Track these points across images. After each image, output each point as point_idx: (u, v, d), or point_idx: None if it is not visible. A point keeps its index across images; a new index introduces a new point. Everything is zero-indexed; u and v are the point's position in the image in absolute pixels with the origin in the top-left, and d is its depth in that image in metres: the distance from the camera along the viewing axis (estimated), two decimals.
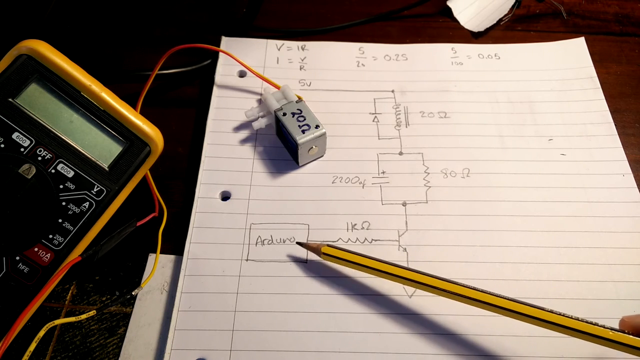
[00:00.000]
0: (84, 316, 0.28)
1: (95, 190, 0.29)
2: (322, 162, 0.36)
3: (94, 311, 0.28)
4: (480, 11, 0.44)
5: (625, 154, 0.36)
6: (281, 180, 0.35)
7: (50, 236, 0.28)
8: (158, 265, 0.32)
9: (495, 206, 0.34)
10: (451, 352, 0.29)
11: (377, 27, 0.44)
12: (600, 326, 0.25)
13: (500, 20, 0.44)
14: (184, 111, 0.39)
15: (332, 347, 0.29)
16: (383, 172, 0.36)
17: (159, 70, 0.38)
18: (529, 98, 0.39)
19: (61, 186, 0.28)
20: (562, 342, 0.29)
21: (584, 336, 0.25)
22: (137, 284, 0.31)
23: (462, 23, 0.44)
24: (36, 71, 0.28)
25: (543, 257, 0.32)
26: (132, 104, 0.33)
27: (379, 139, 0.37)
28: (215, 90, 0.39)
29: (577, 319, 0.26)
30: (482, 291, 0.27)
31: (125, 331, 0.30)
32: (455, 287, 0.27)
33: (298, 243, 0.32)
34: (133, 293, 0.30)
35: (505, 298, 0.27)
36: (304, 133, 0.34)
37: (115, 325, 0.30)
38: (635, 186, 0.35)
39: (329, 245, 0.31)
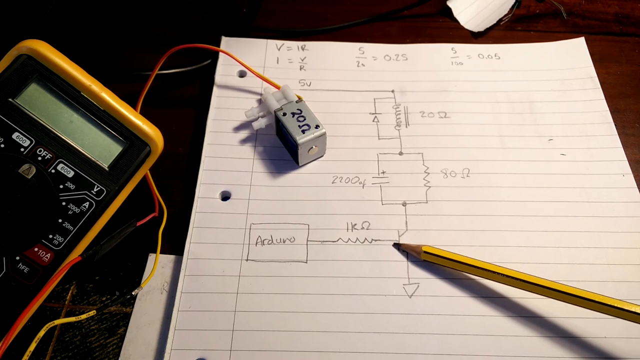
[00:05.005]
0: (84, 316, 0.28)
1: (95, 190, 0.29)
2: (322, 162, 0.36)
3: (94, 311, 0.28)
4: (480, 11, 0.44)
5: (625, 154, 0.36)
6: (281, 180, 0.35)
7: (50, 236, 0.28)
8: (158, 265, 0.32)
9: (495, 206, 0.34)
10: (451, 352, 0.29)
11: (377, 27, 0.44)
12: None
13: (500, 20, 0.44)
14: (184, 111, 0.39)
15: (332, 347, 0.29)
16: (383, 172, 0.36)
17: (159, 70, 0.38)
18: (529, 98, 0.39)
19: (61, 186, 0.28)
20: (563, 343, 0.29)
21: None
22: (137, 284, 0.31)
23: (462, 23, 0.44)
24: (36, 71, 0.28)
25: (543, 257, 0.32)
26: (132, 104, 0.33)
27: (379, 139, 0.37)
28: (215, 90, 0.39)
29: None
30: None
31: (125, 331, 0.30)
32: (560, 285, 0.28)
33: (395, 244, 0.32)
34: (133, 293, 0.30)
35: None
36: (304, 133, 0.34)
37: (115, 325, 0.30)
38: (635, 186, 0.35)
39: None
